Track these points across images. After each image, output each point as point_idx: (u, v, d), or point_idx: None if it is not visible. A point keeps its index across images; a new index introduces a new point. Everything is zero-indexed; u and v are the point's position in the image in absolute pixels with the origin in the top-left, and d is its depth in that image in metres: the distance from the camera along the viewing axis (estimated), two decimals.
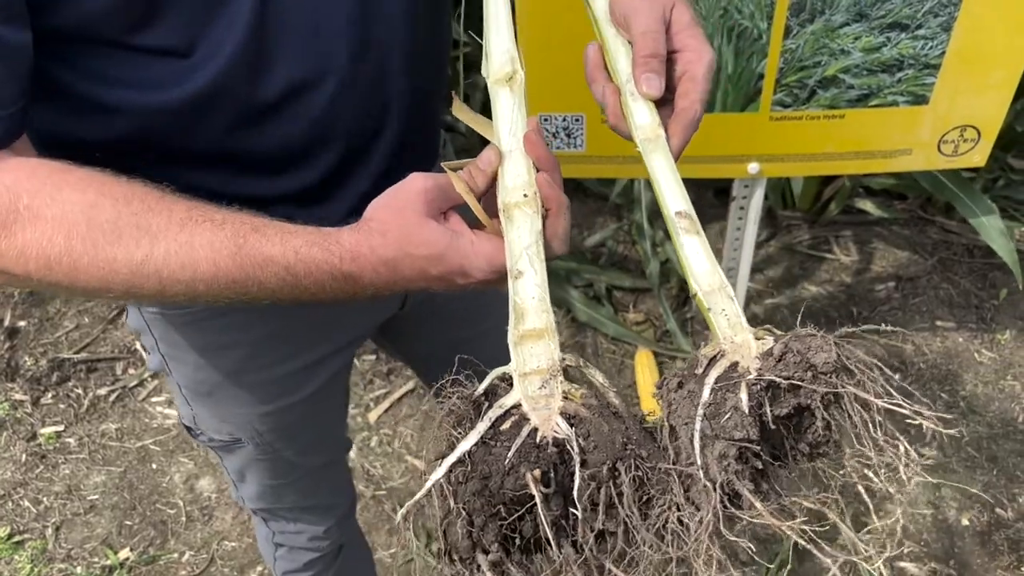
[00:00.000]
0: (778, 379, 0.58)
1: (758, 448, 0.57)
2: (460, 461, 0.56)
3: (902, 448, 0.58)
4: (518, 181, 0.68)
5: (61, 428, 2.16)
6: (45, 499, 2.03)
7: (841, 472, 0.61)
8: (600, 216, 2.61)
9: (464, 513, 0.55)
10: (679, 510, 0.56)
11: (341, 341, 1.02)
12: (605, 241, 2.51)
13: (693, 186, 2.57)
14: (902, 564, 1.73)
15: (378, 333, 1.14)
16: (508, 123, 0.71)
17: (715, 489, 0.55)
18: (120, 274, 0.64)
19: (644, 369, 2.14)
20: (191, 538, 1.93)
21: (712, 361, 0.61)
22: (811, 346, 0.58)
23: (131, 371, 2.29)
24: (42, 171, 0.64)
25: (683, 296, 2.33)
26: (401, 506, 1.80)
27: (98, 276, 0.64)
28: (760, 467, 0.58)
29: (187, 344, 0.95)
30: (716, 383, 0.59)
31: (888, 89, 1.49)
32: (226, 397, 1.00)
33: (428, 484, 0.57)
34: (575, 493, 0.55)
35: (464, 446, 0.56)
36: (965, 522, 1.80)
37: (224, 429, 1.04)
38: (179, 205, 0.66)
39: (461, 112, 0.76)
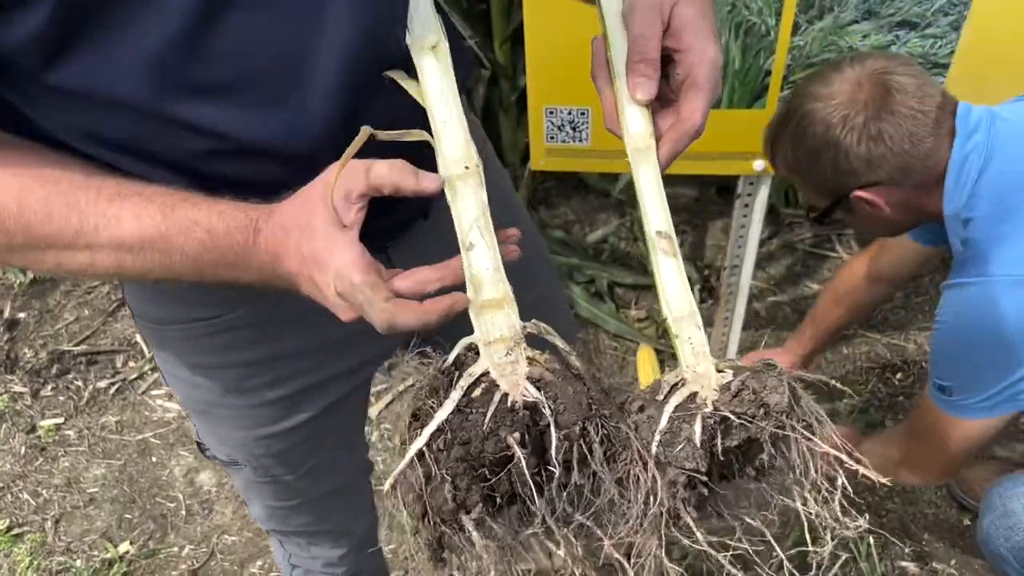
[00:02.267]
0: (731, 415, 0.61)
1: (705, 479, 0.61)
2: (439, 430, 0.58)
3: (836, 504, 0.63)
4: (458, 153, 0.67)
5: (61, 420, 2.15)
6: (44, 492, 2.02)
7: (781, 496, 0.65)
8: (603, 212, 2.61)
9: (448, 478, 0.58)
10: (640, 463, 0.61)
11: (342, 367, 0.97)
12: (607, 237, 2.50)
13: (696, 183, 2.56)
14: (903, 563, 1.73)
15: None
16: (438, 92, 0.69)
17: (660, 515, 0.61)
18: (53, 248, 0.66)
19: (645, 365, 2.14)
20: (191, 532, 1.93)
21: (673, 388, 0.64)
22: (767, 385, 0.61)
23: (131, 364, 2.28)
24: None
25: None
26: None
27: (32, 253, 0.67)
28: (706, 493, 0.63)
29: (179, 360, 0.93)
30: (674, 411, 0.62)
31: None
32: (220, 417, 0.98)
33: (410, 452, 0.58)
34: (552, 452, 0.58)
35: (441, 415, 0.58)
36: (967, 521, 1.80)
37: (222, 449, 1.03)
38: (108, 181, 0.66)
39: (385, 136, 0.70)
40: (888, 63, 1.17)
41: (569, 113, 1.63)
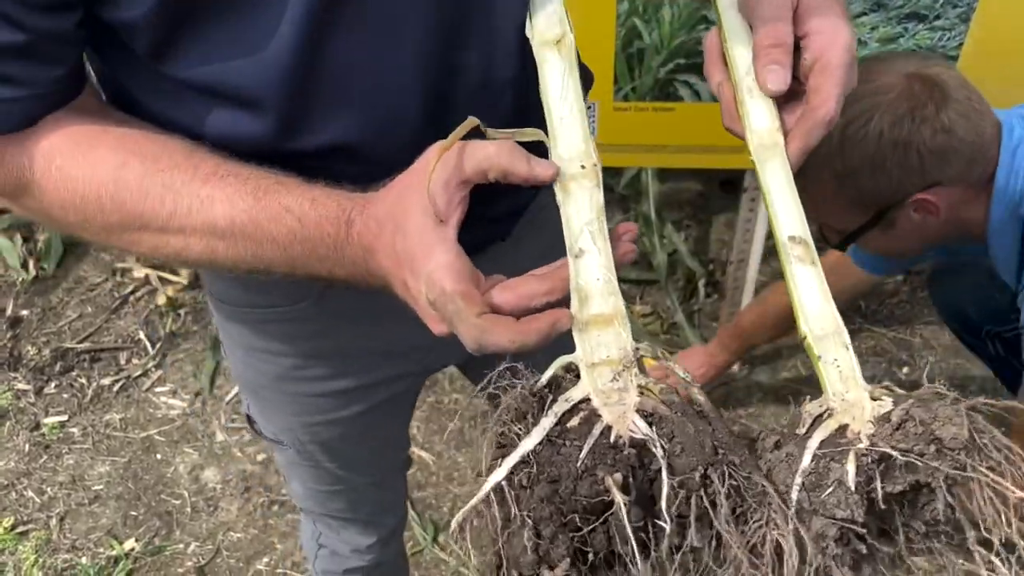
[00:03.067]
0: (894, 452, 0.50)
1: (863, 531, 0.50)
2: (524, 461, 0.49)
3: None
4: (573, 151, 0.60)
5: (65, 418, 2.15)
6: (49, 489, 2.02)
7: (963, 561, 0.53)
8: (607, 208, 2.59)
9: (530, 522, 0.48)
10: (777, 528, 0.49)
11: (401, 371, 0.96)
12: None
13: (701, 177, 2.56)
14: None
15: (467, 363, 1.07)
16: (559, 88, 0.62)
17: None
18: (149, 230, 0.64)
19: None
20: (196, 529, 1.92)
21: (817, 420, 0.54)
22: (938, 415, 0.51)
23: (135, 361, 2.27)
24: (79, 134, 0.64)
25: (690, 288, 2.32)
26: (408, 497, 1.78)
27: (128, 234, 0.65)
28: (864, 551, 0.51)
29: (236, 340, 0.93)
30: (820, 448, 0.52)
31: None
32: (270, 399, 0.98)
33: (487, 487, 0.49)
34: (663, 503, 0.48)
35: (528, 444, 0.49)
36: None
37: (269, 428, 1.03)
38: (207, 161, 0.63)
39: (496, 135, 0.64)
40: (920, 60, 1.14)
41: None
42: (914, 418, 0.51)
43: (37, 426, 2.14)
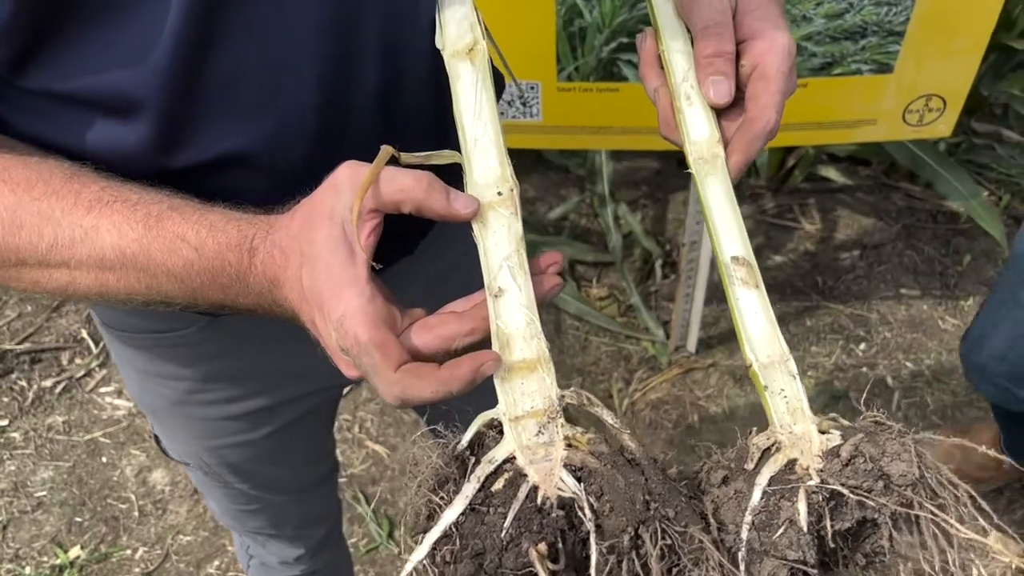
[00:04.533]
0: (845, 491, 0.49)
1: (814, 572, 0.49)
2: (446, 535, 0.46)
3: None
4: (490, 176, 0.56)
5: (5, 423, 2.08)
6: None
7: None
8: (562, 188, 2.55)
9: None
10: None
11: (305, 390, 0.90)
12: (567, 214, 2.45)
13: (658, 154, 2.52)
14: None
15: None
16: (472, 104, 0.58)
17: None
18: (26, 265, 0.58)
19: None
20: (144, 533, 1.87)
21: (765, 454, 0.52)
22: (887, 451, 0.50)
23: (77, 361, 2.20)
24: None
25: (646, 269, 2.28)
26: (362, 493, 1.75)
27: (3, 270, 0.58)
28: None
29: (128, 362, 0.87)
30: (769, 485, 0.50)
31: (851, 57, 1.43)
32: (169, 421, 0.93)
33: (408, 567, 0.47)
34: (592, 572, 0.45)
35: (449, 516, 0.46)
36: None
37: (175, 448, 0.97)
38: (90, 186, 0.57)
39: (411, 160, 0.60)
40: None
41: (519, 88, 1.57)
42: (863, 454, 0.50)
43: None
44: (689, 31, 0.63)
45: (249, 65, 0.60)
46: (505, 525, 0.46)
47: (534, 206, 2.52)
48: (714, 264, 2.04)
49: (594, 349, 2.14)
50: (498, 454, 0.49)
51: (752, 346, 0.56)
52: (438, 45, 0.62)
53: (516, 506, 0.46)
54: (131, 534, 1.87)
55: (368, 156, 0.55)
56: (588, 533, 0.46)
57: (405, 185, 0.52)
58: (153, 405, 0.91)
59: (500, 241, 0.54)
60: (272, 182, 0.65)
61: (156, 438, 0.99)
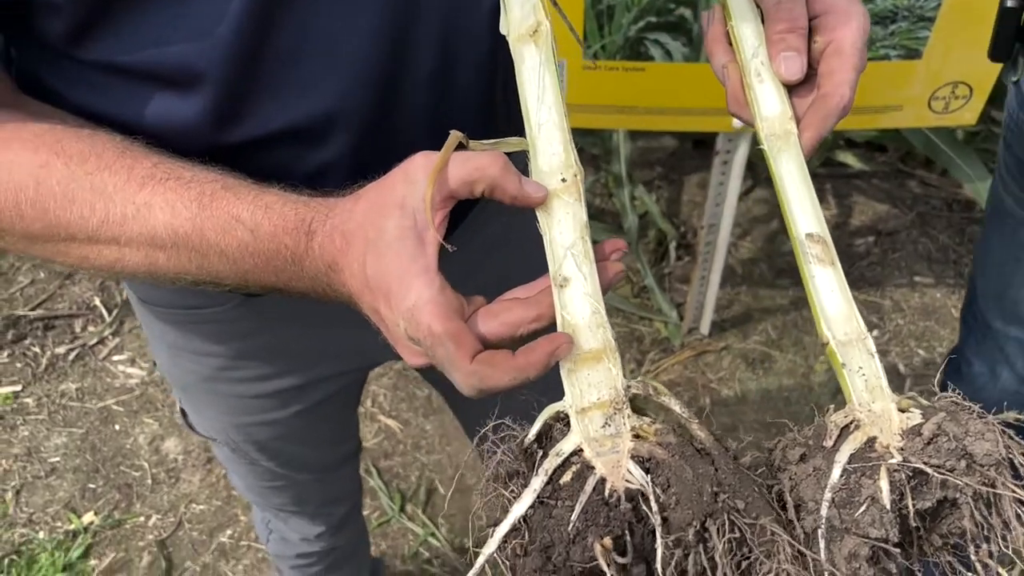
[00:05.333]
0: (928, 469, 0.48)
1: (897, 550, 0.48)
2: (515, 528, 0.46)
3: None
4: (554, 161, 0.55)
5: (18, 388, 2.08)
6: (4, 462, 1.96)
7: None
8: None
9: None
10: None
11: (336, 369, 0.91)
12: None
13: (675, 134, 2.49)
14: None
15: None
16: (536, 88, 0.56)
17: None
18: (76, 240, 0.57)
19: None
20: (158, 501, 1.88)
21: (844, 432, 0.52)
22: (970, 430, 0.49)
23: (91, 328, 2.20)
24: None
25: (661, 251, 2.28)
26: (374, 467, 1.76)
27: (52, 244, 0.57)
28: (893, 570, 0.49)
29: (160, 337, 0.87)
30: (849, 462, 0.50)
31: (880, 42, 1.42)
32: (199, 397, 0.93)
33: (480, 560, 0.47)
34: (658, 565, 0.45)
35: (518, 510, 0.46)
36: None
37: (202, 424, 0.97)
38: (143, 161, 0.56)
39: (479, 147, 0.59)
40: None
41: None
42: (947, 433, 0.49)
43: None
44: (759, 6, 0.63)
45: (310, 40, 0.60)
46: (572, 519, 0.45)
47: None
48: (730, 248, 2.04)
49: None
50: (565, 447, 0.49)
51: (829, 324, 0.55)
52: (502, 31, 0.61)
53: (583, 499, 0.46)
54: (144, 501, 1.88)
55: (419, 135, 0.54)
56: (656, 528, 0.45)
57: (481, 164, 0.51)
58: (183, 380, 0.91)
59: (565, 230, 0.54)
60: (324, 159, 0.65)
61: (183, 413, 0.99)
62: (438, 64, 0.66)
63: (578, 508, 0.45)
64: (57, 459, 1.96)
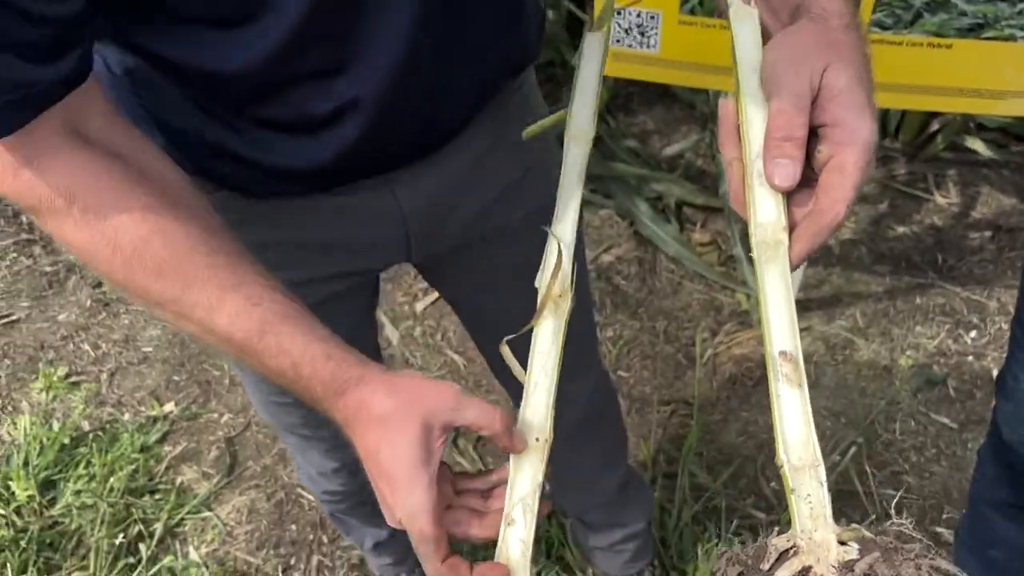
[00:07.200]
0: None
1: None
2: None
3: None
4: (536, 420, 0.67)
5: None
6: (103, 345, 2.13)
7: None
8: (684, 124, 2.46)
9: None
10: None
11: (335, 269, 0.94)
12: (684, 152, 2.37)
13: None
14: None
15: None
16: (543, 352, 0.70)
17: None
18: (148, 300, 0.68)
19: None
20: (231, 401, 2.00)
21: (782, 556, 0.54)
22: (900, 574, 0.51)
23: None
24: (104, 181, 0.64)
25: None
26: None
27: (127, 292, 0.69)
28: None
29: None
30: None
31: (1006, 20, 1.30)
32: None
33: None
34: None
35: None
36: None
37: None
38: (223, 271, 0.66)
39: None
40: None
41: (638, 15, 1.51)
42: (877, 574, 0.52)
43: (99, 284, 2.24)
44: (768, 100, 0.61)
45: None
46: None
47: (651, 139, 2.45)
48: None
49: (686, 294, 2.10)
50: None
51: (786, 447, 0.57)
52: (536, 284, 0.71)
53: None
54: (220, 399, 2.00)
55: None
56: None
57: (491, 421, 0.65)
58: None
59: (524, 481, 0.66)
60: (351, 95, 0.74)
61: None
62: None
63: None
64: (150, 349, 2.11)
